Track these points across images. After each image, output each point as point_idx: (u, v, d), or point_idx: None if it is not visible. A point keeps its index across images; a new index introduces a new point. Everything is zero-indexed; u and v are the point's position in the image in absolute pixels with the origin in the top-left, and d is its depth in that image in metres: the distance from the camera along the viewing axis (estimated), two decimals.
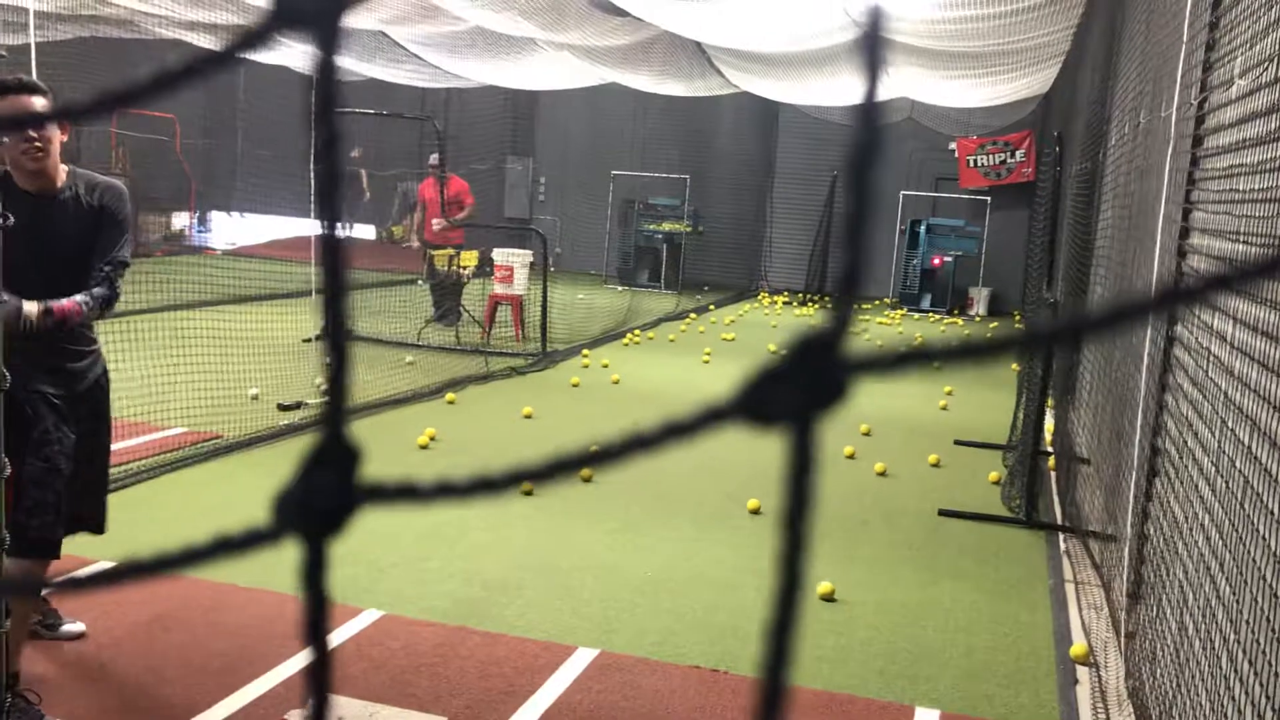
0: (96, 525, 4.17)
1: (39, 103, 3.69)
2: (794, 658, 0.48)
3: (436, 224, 12.60)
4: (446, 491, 0.50)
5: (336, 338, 0.50)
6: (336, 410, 0.50)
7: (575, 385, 10.44)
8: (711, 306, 17.87)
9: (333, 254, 0.50)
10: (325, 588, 0.51)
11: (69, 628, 4.42)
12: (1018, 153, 19.05)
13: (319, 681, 0.52)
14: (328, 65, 0.49)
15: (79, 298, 3.81)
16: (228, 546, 0.51)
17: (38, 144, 3.73)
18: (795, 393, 0.46)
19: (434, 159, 12.86)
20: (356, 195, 22.20)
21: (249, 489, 6.45)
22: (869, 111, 0.46)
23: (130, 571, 0.52)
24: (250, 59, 14.08)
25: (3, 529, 2.95)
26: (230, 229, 21.49)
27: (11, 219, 2.83)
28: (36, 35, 6.42)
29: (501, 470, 0.49)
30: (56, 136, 3.84)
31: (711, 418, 0.46)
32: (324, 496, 0.49)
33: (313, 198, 10.18)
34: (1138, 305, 0.46)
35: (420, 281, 13.50)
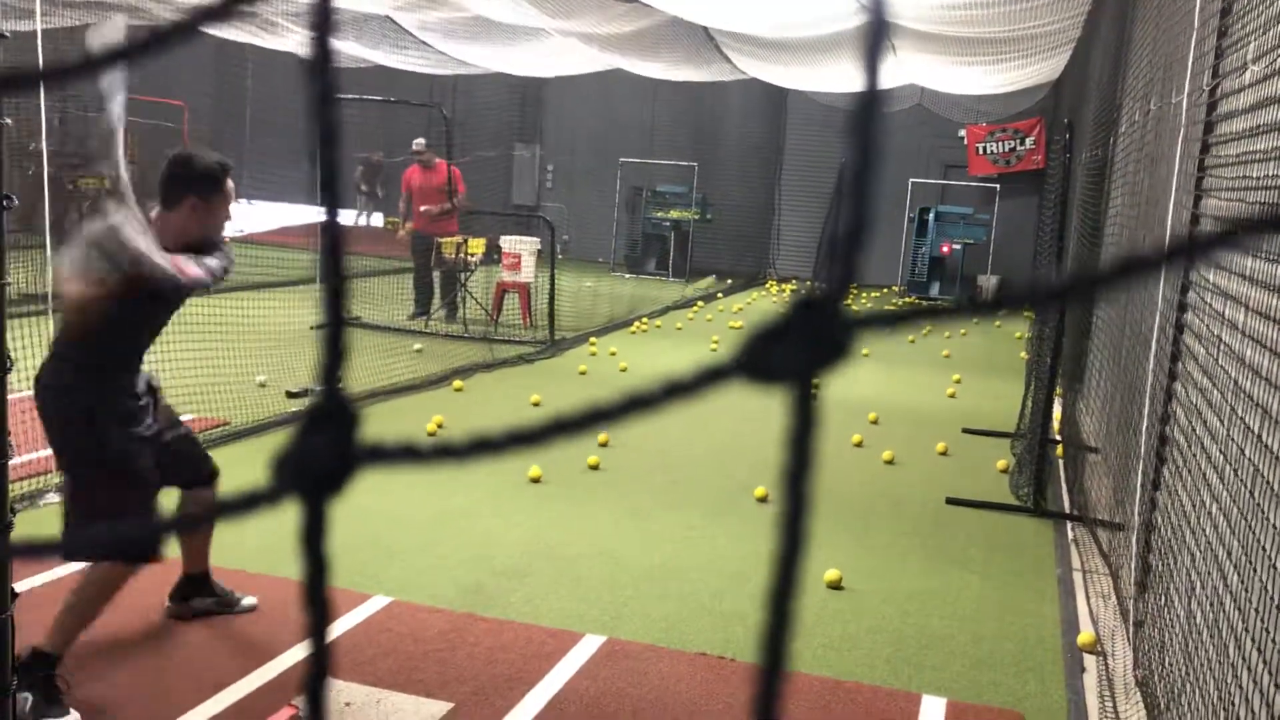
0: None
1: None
2: (796, 624, 0.48)
3: (425, 210, 12.46)
4: (446, 453, 0.49)
5: (332, 303, 0.50)
6: (334, 371, 0.49)
7: (583, 373, 10.44)
8: (719, 294, 17.85)
9: (332, 229, 0.50)
10: (325, 550, 0.50)
11: (247, 601, 4.64)
12: (1027, 140, 18.98)
13: (319, 648, 0.51)
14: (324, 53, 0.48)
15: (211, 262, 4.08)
16: (226, 509, 0.51)
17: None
18: (797, 350, 0.45)
19: (418, 144, 12.70)
20: (372, 189, 22.20)
21: (257, 476, 6.45)
22: (873, 64, 0.45)
23: (127, 538, 0.52)
24: (257, 45, 14.06)
25: (7, 512, 2.96)
26: (238, 216, 21.47)
27: (16, 201, 2.85)
28: (42, 22, 6.41)
29: (500, 431, 0.49)
30: None
31: (712, 376, 0.46)
32: (322, 456, 0.49)
33: (318, 185, 10.17)
34: (1139, 261, 0.46)
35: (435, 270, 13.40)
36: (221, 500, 0.51)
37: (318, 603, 0.51)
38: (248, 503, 0.50)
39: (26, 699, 3.66)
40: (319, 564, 0.51)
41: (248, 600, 4.65)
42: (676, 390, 0.46)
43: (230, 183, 4.21)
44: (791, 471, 0.47)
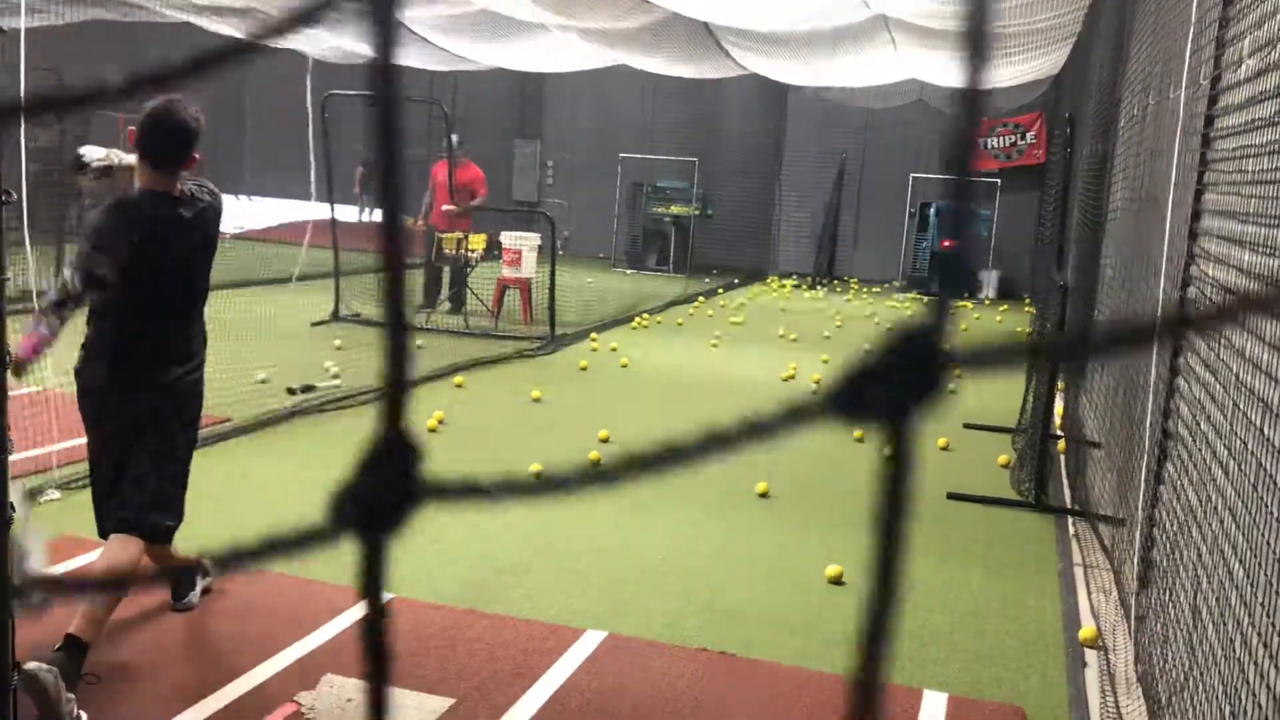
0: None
1: None
2: (890, 659, 0.46)
3: (446, 208, 12.52)
4: (513, 490, 0.48)
5: (396, 334, 0.48)
6: (396, 407, 0.48)
7: (584, 369, 10.43)
8: (720, 290, 17.84)
9: (394, 251, 0.49)
10: (384, 587, 0.49)
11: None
12: (1028, 135, 18.96)
13: (378, 682, 0.50)
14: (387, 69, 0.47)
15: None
16: (281, 547, 0.50)
17: None
18: (895, 389, 0.43)
19: (453, 139, 12.70)
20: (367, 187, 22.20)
21: (258, 472, 6.46)
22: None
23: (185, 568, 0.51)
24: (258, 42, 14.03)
25: (7, 507, 2.97)
26: (238, 213, 21.51)
27: (14, 196, 2.87)
28: (37, 19, 6.39)
29: (575, 469, 0.48)
30: None
31: (799, 416, 0.44)
32: (384, 493, 0.48)
33: (313, 182, 10.19)
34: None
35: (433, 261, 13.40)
36: (278, 537, 0.50)
37: (380, 644, 0.50)
38: (302, 540, 0.49)
39: (55, 674, 3.62)
40: (378, 601, 0.50)
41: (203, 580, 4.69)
42: (758, 430, 0.45)
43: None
44: (886, 515, 0.45)
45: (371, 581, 0.49)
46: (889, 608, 0.46)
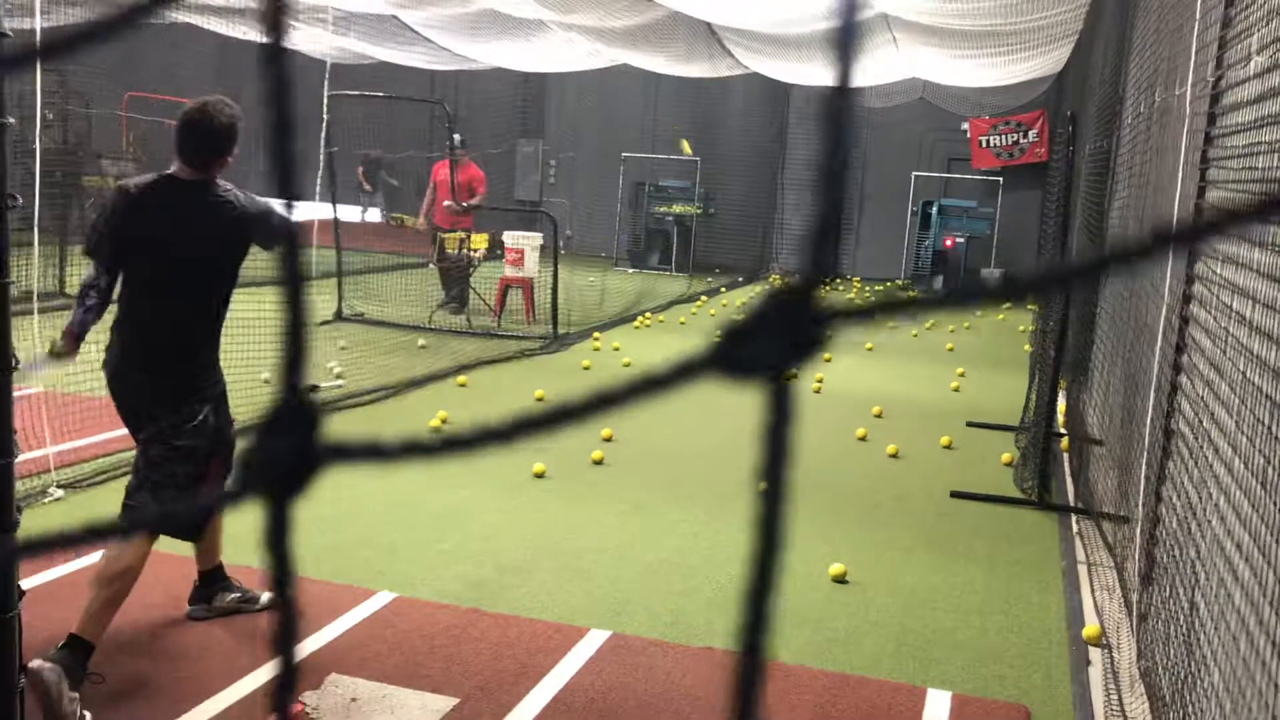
0: None
1: None
2: (773, 623, 0.47)
3: (448, 205, 12.54)
4: (414, 450, 0.49)
5: (293, 297, 0.49)
6: (292, 372, 0.49)
7: (586, 368, 10.43)
8: (722, 289, 17.84)
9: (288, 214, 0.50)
10: (289, 550, 0.50)
11: (266, 597, 4.59)
12: (1030, 133, 18.94)
13: (285, 643, 0.51)
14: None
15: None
16: (195, 511, 0.50)
17: None
18: (771, 345, 0.45)
19: (456, 139, 12.72)
20: (374, 185, 22.27)
21: None
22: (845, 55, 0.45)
23: (91, 535, 0.51)
24: (260, 42, 14.06)
25: (13, 511, 2.97)
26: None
27: (20, 200, 2.86)
28: (45, 19, 6.40)
29: (470, 429, 0.48)
30: None
31: (685, 372, 0.45)
32: (285, 456, 0.48)
33: (318, 182, 10.19)
34: (1132, 247, 0.45)
35: (431, 265, 13.44)
36: (192, 501, 0.51)
37: (285, 603, 0.51)
38: (215, 503, 0.50)
39: (58, 672, 3.63)
40: (284, 564, 0.50)
41: (266, 596, 4.62)
42: (650, 385, 0.46)
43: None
44: (768, 466, 0.46)
45: (276, 546, 0.50)
46: (772, 563, 0.47)
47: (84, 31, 0.50)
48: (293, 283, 0.49)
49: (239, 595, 4.59)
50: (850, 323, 0.47)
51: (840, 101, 0.45)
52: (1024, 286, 0.48)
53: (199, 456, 4.18)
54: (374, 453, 0.50)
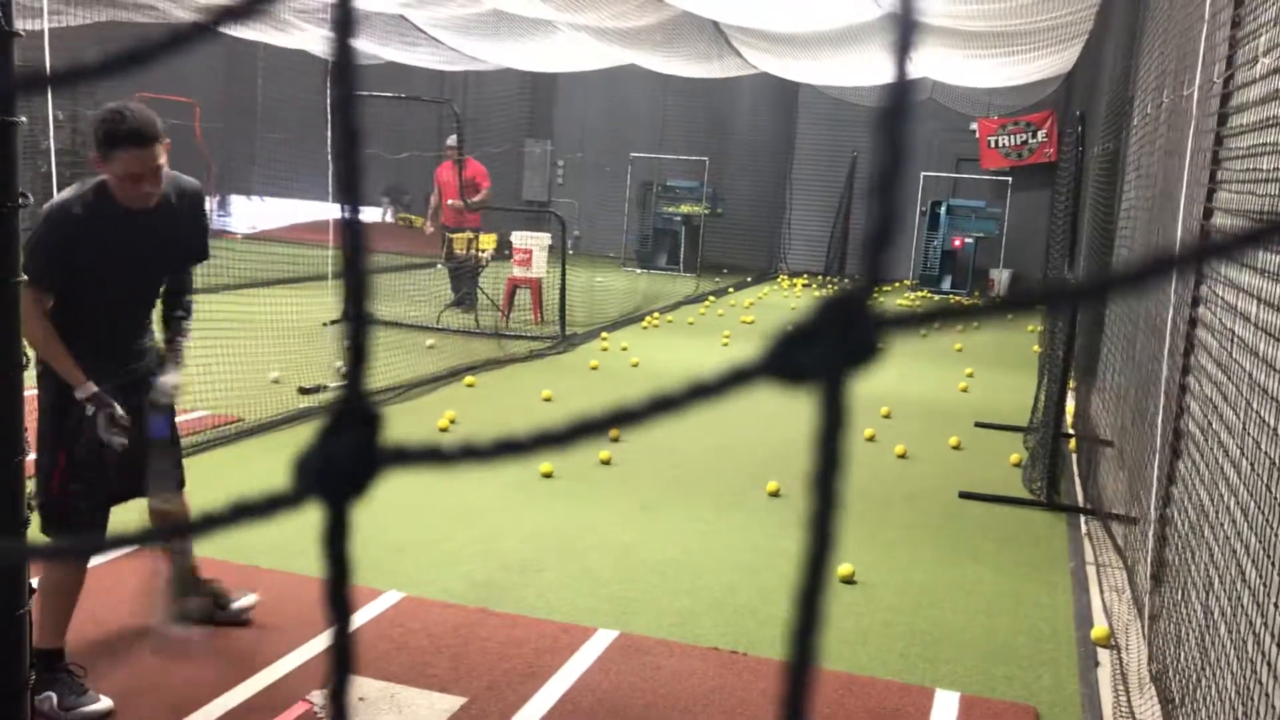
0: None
1: (160, 151, 3.75)
2: (824, 623, 0.47)
3: (452, 203, 12.56)
4: (471, 454, 0.49)
5: (357, 304, 0.49)
6: (356, 374, 0.49)
7: (594, 368, 10.44)
8: (731, 289, 17.83)
9: (353, 231, 0.50)
10: (347, 553, 0.50)
11: (241, 603, 4.45)
12: (1039, 133, 18.90)
13: (341, 649, 0.51)
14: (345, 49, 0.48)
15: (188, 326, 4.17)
16: (247, 512, 0.50)
17: (151, 192, 3.79)
18: (826, 350, 0.45)
19: (451, 141, 12.77)
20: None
21: (270, 472, 6.47)
22: (901, 59, 0.45)
23: (147, 537, 0.52)
24: (269, 43, 14.08)
25: (24, 508, 2.98)
26: (250, 213, 21.56)
27: (30, 199, 2.85)
28: (54, 20, 6.43)
29: (526, 432, 0.48)
30: (165, 159, 3.82)
31: (738, 378, 0.45)
32: (345, 458, 0.49)
33: (330, 182, 10.22)
34: (1156, 263, 0.45)
35: (440, 264, 13.47)
36: (243, 502, 0.51)
37: (340, 605, 0.51)
38: (268, 506, 0.50)
39: (50, 698, 3.67)
40: (341, 567, 0.50)
41: (245, 600, 4.47)
42: (702, 391, 0.46)
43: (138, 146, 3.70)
44: (821, 472, 0.47)
45: (334, 548, 0.50)
46: (824, 568, 0.47)
47: (121, 58, 0.50)
48: (355, 286, 0.50)
49: (213, 596, 4.43)
50: (905, 329, 0.47)
51: (897, 106, 0.46)
52: (1073, 293, 0.48)
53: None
54: (433, 456, 0.50)
